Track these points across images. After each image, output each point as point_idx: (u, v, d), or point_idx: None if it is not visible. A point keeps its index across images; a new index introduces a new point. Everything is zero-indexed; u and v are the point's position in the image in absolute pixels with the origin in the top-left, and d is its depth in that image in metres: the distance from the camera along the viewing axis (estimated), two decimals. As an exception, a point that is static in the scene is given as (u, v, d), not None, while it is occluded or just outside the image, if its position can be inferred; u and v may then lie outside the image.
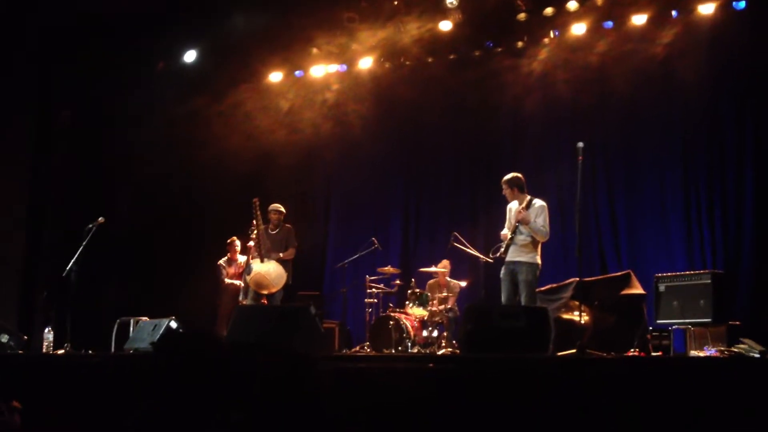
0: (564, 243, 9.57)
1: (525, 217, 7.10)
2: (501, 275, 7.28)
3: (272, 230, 8.84)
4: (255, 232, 8.67)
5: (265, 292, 8.59)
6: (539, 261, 7.19)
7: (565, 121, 10.32)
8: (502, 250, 7.23)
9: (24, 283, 9.93)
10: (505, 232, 7.30)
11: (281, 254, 8.65)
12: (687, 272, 7.60)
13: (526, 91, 10.20)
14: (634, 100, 9.73)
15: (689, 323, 7.05)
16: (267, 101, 11.35)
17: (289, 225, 8.97)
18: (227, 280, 9.74)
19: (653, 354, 6.94)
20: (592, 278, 7.90)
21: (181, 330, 7.69)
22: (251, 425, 2.11)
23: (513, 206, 7.36)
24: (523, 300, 7.03)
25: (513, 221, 7.24)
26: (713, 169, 9.29)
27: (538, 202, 7.23)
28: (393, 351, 8.50)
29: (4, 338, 7.27)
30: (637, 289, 7.37)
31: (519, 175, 7.44)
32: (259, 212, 8.67)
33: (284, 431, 2.09)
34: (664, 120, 9.72)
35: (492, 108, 10.80)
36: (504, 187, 7.42)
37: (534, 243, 7.15)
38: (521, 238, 7.15)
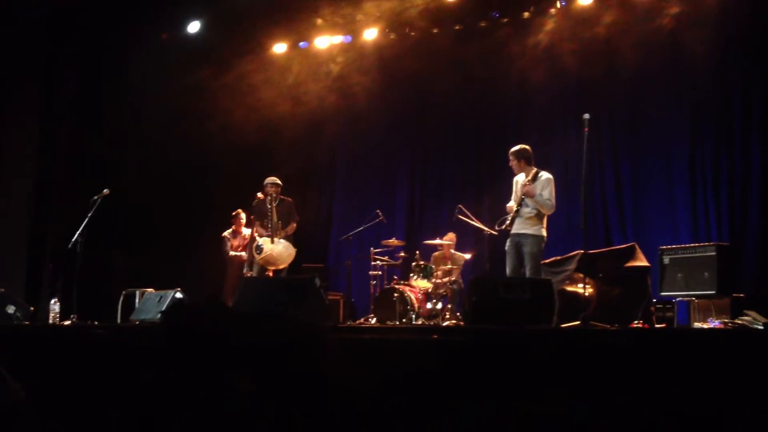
0: (569, 215, 9.55)
1: (530, 189, 7.08)
2: (506, 247, 7.28)
3: (273, 204, 8.69)
4: (264, 209, 8.63)
5: (273, 268, 8.63)
6: (545, 233, 7.18)
7: (571, 93, 10.27)
8: (508, 222, 7.21)
9: (30, 254, 9.97)
10: (511, 204, 7.29)
11: (286, 230, 8.63)
12: (691, 244, 7.59)
13: (532, 62, 10.13)
14: (640, 72, 9.66)
15: (693, 295, 7.06)
16: (271, 73, 11.29)
17: (289, 199, 8.90)
18: (232, 252, 9.76)
19: (657, 326, 6.95)
20: (597, 250, 7.90)
21: (187, 301, 7.73)
22: (259, 395, 2.13)
23: (519, 178, 7.33)
24: (527, 272, 7.03)
25: (519, 194, 7.22)
26: (720, 141, 9.25)
27: (545, 175, 7.20)
28: (397, 323, 8.54)
29: (11, 309, 7.31)
30: (642, 262, 7.37)
31: (527, 147, 7.40)
32: (271, 192, 8.61)
33: (291, 400, 2.10)
34: (671, 92, 9.67)
35: (498, 79, 10.74)
36: (511, 158, 7.39)
37: (539, 215, 7.14)
38: (527, 211, 7.14)
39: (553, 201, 7.14)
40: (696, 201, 9.31)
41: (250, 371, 2.10)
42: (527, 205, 7.15)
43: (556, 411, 3.86)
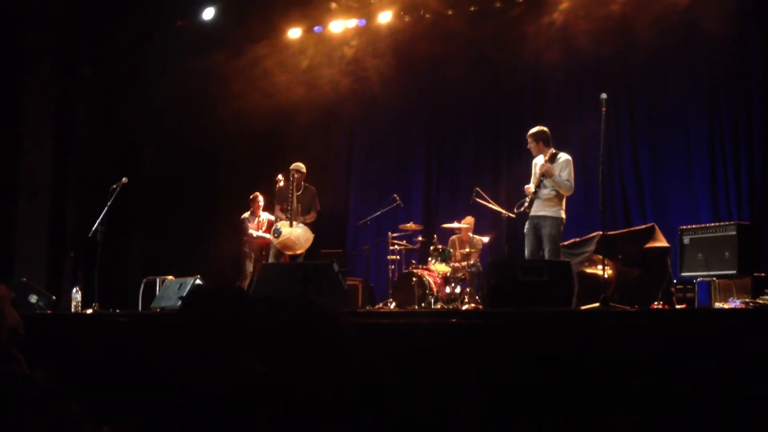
0: (587, 196, 9.50)
1: (549, 170, 7.04)
2: (525, 230, 7.25)
3: (295, 191, 8.69)
4: (285, 193, 8.66)
5: (290, 252, 8.64)
6: (564, 215, 7.15)
7: (588, 73, 10.17)
8: (526, 204, 7.19)
9: (51, 244, 10.06)
10: (530, 186, 7.26)
11: (305, 218, 8.65)
12: (712, 224, 7.53)
13: (548, 42, 10.03)
14: (657, 50, 9.54)
15: (714, 275, 7.00)
16: (286, 58, 11.28)
17: (312, 187, 8.91)
18: (253, 232, 9.70)
19: (677, 307, 6.91)
20: (616, 232, 7.85)
21: (206, 287, 7.77)
22: (276, 379, 2.14)
23: (538, 161, 7.28)
24: (546, 254, 7.00)
25: (538, 175, 7.19)
26: (739, 118, 9.14)
27: (563, 156, 7.16)
28: (416, 307, 8.55)
29: (33, 298, 7.39)
30: (661, 242, 7.32)
31: (545, 128, 7.35)
32: (296, 173, 8.63)
33: (307, 384, 2.11)
34: (688, 69, 9.55)
35: (513, 60, 10.65)
36: (529, 140, 7.35)
37: (558, 197, 7.10)
38: (545, 192, 7.11)
39: (572, 182, 7.10)
40: (716, 180, 9.21)
41: (268, 355, 2.11)
42: (546, 187, 7.11)
43: (576, 392, 3.85)
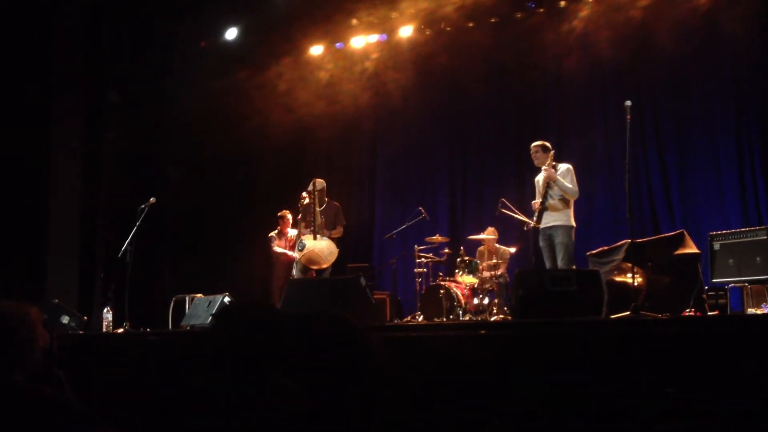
0: (615, 204, 9.44)
1: (552, 174, 7.28)
2: (540, 244, 7.41)
3: (317, 206, 8.60)
4: (309, 208, 8.63)
5: (315, 267, 8.60)
6: (574, 222, 7.34)
7: (611, 80, 10.13)
8: (535, 219, 7.35)
9: (82, 265, 10.17)
10: (536, 201, 7.49)
11: (330, 232, 8.62)
12: (742, 229, 7.44)
13: (570, 50, 10.01)
14: (680, 54, 9.48)
15: (746, 281, 6.89)
16: (307, 74, 11.35)
17: (336, 203, 8.89)
18: (278, 249, 9.72)
19: (710, 313, 6.82)
20: (645, 239, 7.78)
21: (235, 304, 7.79)
22: (308, 395, 2.14)
23: (540, 177, 7.52)
24: (560, 262, 7.12)
25: (542, 189, 7.38)
26: (766, 121, 9.03)
27: (563, 165, 7.40)
28: (444, 319, 8.52)
29: (65, 319, 7.48)
30: (691, 249, 7.23)
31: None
32: (316, 190, 8.58)
33: (340, 400, 2.11)
34: (713, 72, 9.48)
35: (535, 70, 10.62)
36: (539, 150, 7.54)
37: (566, 205, 7.27)
38: (553, 203, 7.34)
39: (576, 187, 7.32)
40: (745, 184, 9.11)
41: (297, 371, 2.12)
42: (552, 197, 7.35)
43: (608, 402, 3.81)
